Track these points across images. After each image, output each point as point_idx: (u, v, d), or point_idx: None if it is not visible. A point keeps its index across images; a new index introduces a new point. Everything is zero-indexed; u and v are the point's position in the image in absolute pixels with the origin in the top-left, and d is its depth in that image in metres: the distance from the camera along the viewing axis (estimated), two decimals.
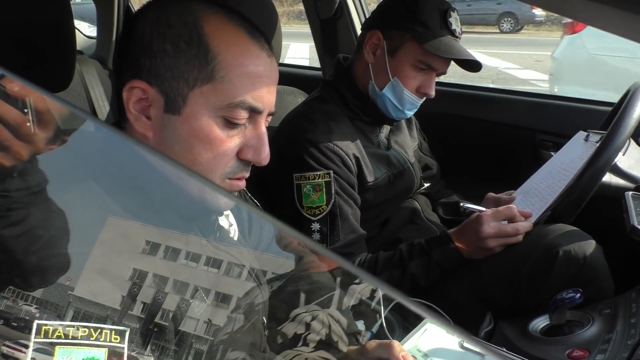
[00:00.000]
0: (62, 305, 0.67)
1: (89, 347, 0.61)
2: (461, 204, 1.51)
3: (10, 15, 0.80)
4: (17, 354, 0.63)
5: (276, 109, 0.85)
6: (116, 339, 0.63)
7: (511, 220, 1.28)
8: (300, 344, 0.74)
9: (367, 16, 2.18)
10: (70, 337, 0.61)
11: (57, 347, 0.61)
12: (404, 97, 1.41)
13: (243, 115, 0.78)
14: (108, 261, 0.69)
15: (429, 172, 1.71)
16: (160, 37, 0.77)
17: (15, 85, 0.58)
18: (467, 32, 1.62)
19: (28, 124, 0.59)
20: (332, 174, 1.33)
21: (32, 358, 0.60)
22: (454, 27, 1.38)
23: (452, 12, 1.39)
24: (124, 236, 0.71)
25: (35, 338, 0.61)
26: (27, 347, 0.64)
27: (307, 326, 0.75)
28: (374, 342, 0.85)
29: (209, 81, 0.76)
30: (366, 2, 2.21)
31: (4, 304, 0.66)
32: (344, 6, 2.10)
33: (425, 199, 1.67)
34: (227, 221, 0.94)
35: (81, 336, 0.62)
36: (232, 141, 0.79)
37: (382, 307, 0.94)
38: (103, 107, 1.80)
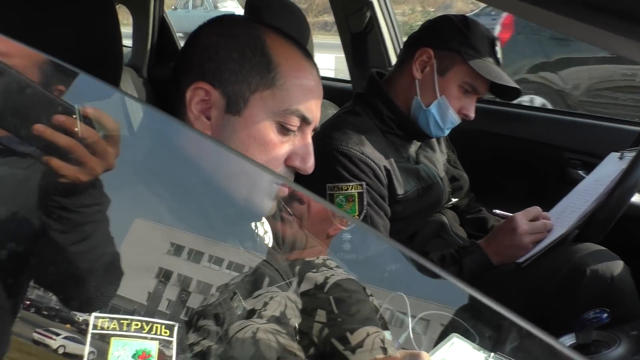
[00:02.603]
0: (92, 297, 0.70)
1: (141, 340, 0.64)
2: (493, 211, 1.56)
3: (65, 33, 0.86)
4: (47, 340, 0.67)
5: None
6: (166, 332, 0.66)
7: (538, 219, 1.40)
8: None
9: (396, 31, 2.24)
10: (124, 330, 0.64)
11: (112, 339, 0.64)
12: (448, 116, 1.46)
13: (295, 122, 0.84)
14: (140, 260, 0.73)
15: (457, 183, 1.74)
16: (227, 46, 0.84)
17: (90, 108, 0.63)
18: None
19: (101, 141, 0.64)
20: (364, 186, 1.37)
21: (90, 347, 0.63)
22: (499, 55, 1.46)
23: (497, 42, 1.47)
24: (154, 238, 0.75)
25: (92, 330, 0.64)
26: (57, 334, 0.68)
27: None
28: (403, 352, 0.88)
29: (269, 87, 0.83)
30: (395, 18, 2.26)
31: (35, 293, 0.70)
32: (374, 21, 2.14)
33: (453, 213, 1.69)
34: (263, 228, 0.98)
35: (134, 329, 0.65)
36: (283, 147, 0.84)
37: (409, 318, 0.96)
38: (137, 113, 1.86)
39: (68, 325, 0.69)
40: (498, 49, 1.47)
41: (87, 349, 0.63)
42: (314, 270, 0.89)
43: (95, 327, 0.64)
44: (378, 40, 2.16)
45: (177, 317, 0.69)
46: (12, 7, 0.85)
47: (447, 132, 1.51)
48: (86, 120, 0.63)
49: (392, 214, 1.44)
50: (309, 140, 0.87)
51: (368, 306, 0.89)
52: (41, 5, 0.88)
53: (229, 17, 0.94)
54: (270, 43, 0.85)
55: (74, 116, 0.62)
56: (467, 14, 1.66)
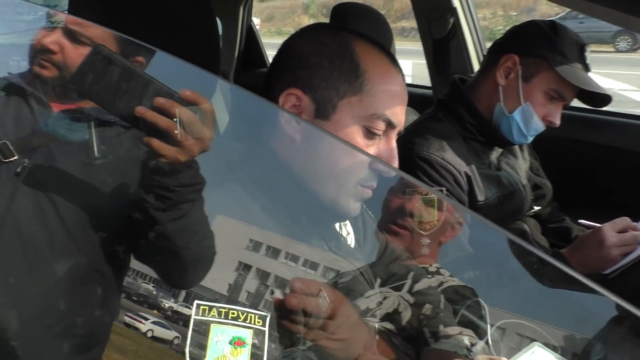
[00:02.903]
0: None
1: (237, 327, 0.69)
2: (579, 221, 1.52)
3: (167, 40, 0.94)
4: (137, 324, 0.74)
5: None
6: (259, 322, 0.70)
7: (626, 230, 1.36)
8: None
9: (479, 37, 2.23)
10: (222, 317, 0.69)
11: (212, 325, 0.69)
12: (532, 123, 1.44)
13: (381, 126, 0.87)
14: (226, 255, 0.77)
15: (539, 191, 1.71)
16: (318, 54, 0.89)
17: (188, 91, 0.68)
18: None
19: (199, 123, 0.68)
20: (444, 191, 1.38)
21: (192, 331, 0.68)
22: (588, 61, 1.43)
23: (586, 47, 1.44)
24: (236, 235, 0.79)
25: (194, 315, 0.69)
26: (146, 319, 0.74)
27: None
28: (484, 357, 0.89)
29: (356, 93, 0.87)
30: (479, 24, 2.24)
31: (126, 280, 0.76)
32: (457, 27, 2.14)
33: (535, 222, 1.67)
34: (345, 229, 1.03)
35: (231, 317, 0.70)
36: (368, 150, 0.88)
37: (488, 326, 0.97)
38: (224, 118, 1.96)
39: (155, 311, 0.75)
40: (587, 54, 1.44)
41: (189, 333, 0.68)
42: (429, 277, 0.91)
43: (197, 313, 0.69)
44: (460, 46, 2.15)
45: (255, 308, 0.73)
46: (123, 15, 0.94)
47: (530, 139, 1.49)
48: (184, 103, 0.68)
49: (406, 226, 1.44)
50: (394, 143, 0.90)
51: (476, 313, 0.90)
52: (150, 14, 0.96)
53: (320, 26, 1.01)
54: (358, 50, 0.89)
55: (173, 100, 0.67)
56: (552, 17, 1.63)
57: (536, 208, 1.67)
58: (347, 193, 0.87)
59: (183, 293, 0.75)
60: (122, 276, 0.82)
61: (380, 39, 1.53)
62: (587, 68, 1.43)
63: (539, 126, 1.45)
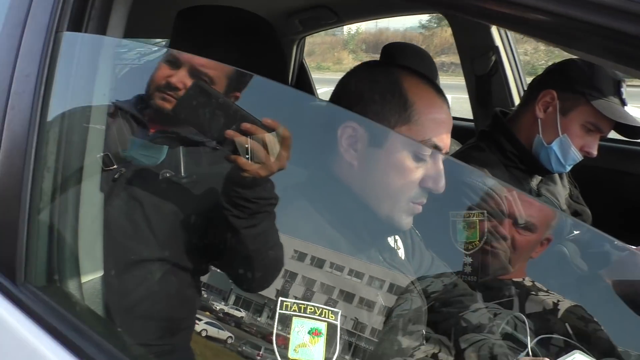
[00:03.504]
0: (225, 290, 0.88)
1: (314, 320, 0.79)
2: (615, 242, 1.59)
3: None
4: None
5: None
6: (332, 316, 0.80)
7: None
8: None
9: (520, 74, 2.34)
10: (302, 312, 0.79)
11: (293, 318, 0.79)
12: (570, 153, 1.54)
13: (428, 151, 0.96)
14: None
15: (579, 218, 1.79)
16: (371, 90, 0.99)
17: (269, 119, 0.82)
18: None
19: (278, 146, 0.81)
20: (485, 214, 1.49)
21: (277, 324, 0.79)
22: (624, 96, 1.52)
23: (623, 83, 1.53)
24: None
25: (279, 310, 0.79)
26: (200, 319, 0.85)
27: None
28: (527, 358, 0.98)
29: (406, 123, 0.97)
30: (520, 61, 2.36)
31: None
32: (499, 64, 2.26)
33: (575, 246, 1.75)
34: (397, 244, 1.14)
35: (309, 312, 0.80)
36: (418, 172, 0.96)
37: (528, 339, 1.06)
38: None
39: (207, 313, 0.86)
40: (623, 89, 1.53)
41: (275, 325, 0.79)
42: (533, 293, 0.99)
43: (281, 308, 0.80)
44: (502, 82, 2.26)
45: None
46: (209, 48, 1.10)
47: (568, 168, 1.59)
48: (266, 128, 0.82)
49: (512, 243, 1.53)
50: (441, 165, 0.97)
51: (603, 336, 0.96)
52: (230, 52, 1.12)
53: (372, 64, 1.11)
54: (406, 85, 0.98)
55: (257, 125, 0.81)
56: None
57: (575, 232, 1.75)
58: (400, 209, 0.97)
59: (233, 297, 0.86)
60: (200, 272, 0.95)
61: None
62: (623, 102, 1.52)
63: (576, 156, 1.55)
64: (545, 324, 0.94)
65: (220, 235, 0.89)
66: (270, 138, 0.82)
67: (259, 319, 0.85)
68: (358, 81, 1.02)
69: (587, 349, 0.88)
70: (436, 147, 0.98)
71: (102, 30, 0.89)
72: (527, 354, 1.01)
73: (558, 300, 0.98)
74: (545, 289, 1.02)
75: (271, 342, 0.79)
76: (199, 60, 1.03)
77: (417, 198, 0.98)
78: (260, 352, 0.84)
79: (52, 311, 0.79)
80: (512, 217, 1.13)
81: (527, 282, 1.05)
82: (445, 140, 1.00)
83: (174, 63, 1.04)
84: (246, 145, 0.81)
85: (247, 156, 0.82)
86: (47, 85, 0.85)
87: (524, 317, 0.93)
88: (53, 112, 0.87)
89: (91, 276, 0.90)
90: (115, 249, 0.99)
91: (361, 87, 1.00)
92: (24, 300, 0.81)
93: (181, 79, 1.02)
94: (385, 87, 0.98)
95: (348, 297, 0.88)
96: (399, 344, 0.91)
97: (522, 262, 1.10)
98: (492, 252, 1.52)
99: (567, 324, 0.94)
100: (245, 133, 0.82)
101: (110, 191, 1.00)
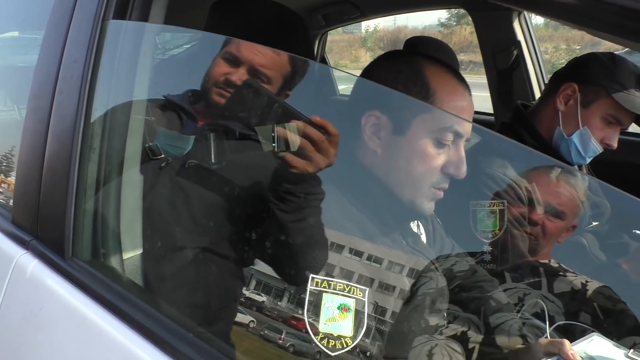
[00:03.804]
0: (246, 275, 0.91)
1: (343, 296, 0.82)
2: (634, 231, 1.60)
3: None
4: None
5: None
6: (360, 294, 0.82)
7: None
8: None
9: (541, 68, 2.36)
10: (331, 288, 0.82)
11: (323, 294, 0.81)
12: (590, 146, 1.57)
13: (450, 138, 0.97)
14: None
15: (598, 210, 1.81)
16: (394, 80, 1.01)
17: (318, 117, 0.83)
18: None
19: (326, 142, 0.83)
20: (505, 204, 1.51)
21: (308, 299, 0.81)
22: None
23: None
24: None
25: (310, 286, 0.81)
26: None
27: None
28: (545, 340, 1.00)
29: (428, 111, 0.99)
30: (541, 56, 2.37)
31: None
32: (521, 59, 2.27)
33: (593, 237, 1.76)
34: (418, 230, 1.17)
35: (339, 288, 0.82)
36: (440, 158, 0.97)
37: (547, 325, 1.08)
38: None
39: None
40: None
41: (306, 299, 0.81)
42: (562, 274, 1.01)
43: (311, 284, 0.82)
44: (523, 76, 2.28)
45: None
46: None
47: (588, 160, 1.61)
48: (315, 126, 0.84)
49: (542, 228, 1.56)
50: (462, 151, 0.99)
51: (630, 316, 0.98)
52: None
53: (395, 54, 1.13)
54: (428, 73, 0.99)
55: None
56: (618, 52, 1.74)
57: (594, 224, 1.77)
58: (423, 195, 0.99)
59: (254, 282, 0.88)
60: (242, 263, 0.98)
61: None
62: None
63: (596, 148, 1.57)
64: (574, 304, 0.96)
65: (267, 229, 0.91)
66: (318, 135, 0.83)
67: (279, 303, 0.87)
68: (382, 71, 1.04)
69: (615, 328, 0.93)
70: (457, 134, 0.98)
71: (144, 18, 0.93)
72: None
73: (586, 281, 1.01)
74: (572, 271, 1.05)
75: (293, 326, 0.82)
76: (259, 60, 1.06)
77: (439, 184, 0.99)
78: (282, 336, 0.85)
79: (97, 282, 0.84)
80: (544, 205, 1.20)
81: (554, 264, 1.08)
82: (466, 127, 1.00)
83: (233, 61, 1.07)
84: (295, 142, 0.83)
85: (294, 152, 0.83)
86: (93, 71, 0.90)
87: (553, 296, 0.95)
88: (99, 96, 0.92)
89: (132, 253, 0.95)
90: (157, 235, 1.02)
91: (385, 77, 1.02)
92: (72, 273, 0.86)
93: (240, 77, 1.04)
94: (407, 76, 1.00)
95: (373, 274, 0.91)
96: (425, 322, 0.94)
97: (550, 246, 1.16)
98: (512, 240, 1.55)
99: (595, 304, 0.96)
100: (293, 130, 0.83)
101: (156, 179, 1.02)
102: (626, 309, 0.98)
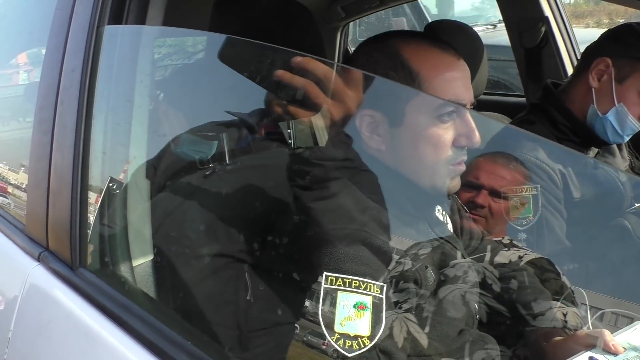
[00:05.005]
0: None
1: (359, 294, 0.78)
2: None
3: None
4: None
5: (482, 134, 0.97)
6: (377, 290, 0.79)
7: None
8: None
9: (573, 44, 2.25)
10: (347, 286, 0.79)
11: (339, 292, 0.78)
12: (627, 123, 1.47)
13: (450, 110, 0.91)
14: None
15: None
16: (373, 71, 0.94)
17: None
18: None
19: (339, 81, 0.73)
20: (538, 188, 1.44)
21: (323, 297, 0.78)
22: None
23: None
24: None
25: (324, 284, 0.78)
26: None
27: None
28: (584, 331, 0.95)
29: (416, 94, 0.93)
30: (573, 31, 2.26)
31: None
32: (549, 35, 2.17)
33: (637, 219, 1.67)
34: (443, 219, 1.13)
35: (355, 286, 0.79)
36: (447, 133, 0.92)
37: (588, 315, 1.04)
38: None
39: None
40: None
41: (321, 298, 0.78)
42: (506, 249, 1.03)
43: (326, 282, 0.79)
44: (553, 54, 2.18)
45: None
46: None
47: (626, 138, 1.51)
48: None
49: (569, 216, 1.48)
50: (470, 119, 0.93)
51: (557, 284, 1.00)
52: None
53: (368, 43, 1.04)
54: (407, 55, 0.94)
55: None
56: None
57: (637, 205, 1.68)
58: (442, 175, 0.95)
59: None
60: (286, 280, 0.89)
61: (473, 54, 1.63)
62: None
63: (635, 126, 1.47)
64: (507, 272, 1.02)
65: (288, 219, 0.85)
66: (326, 70, 0.75)
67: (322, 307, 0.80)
68: (359, 65, 0.98)
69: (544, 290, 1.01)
70: (457, 104, 0.93)
71: (141, 21, 0.92)
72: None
73: (525, 254, 1.07)
74: (519, 246, 1.12)
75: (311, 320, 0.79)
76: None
77: (455, 159, 0.95)
78: (325, 342, 0.79)
79: (104, 294, 0.83)
80: (488, 188, 1.30)
81: (505, 241, 1.15)
82: (463, 94, 0.95)
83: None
84: (295, 83, 0.74)
85: (300, 102, 0.75)
86: (91, 79, 0.89)
87: (491, 267, 1.01)
88: (98, 104, 0.91)
89: (142, 260, 0.94)
90: (186, 243, 0.95)
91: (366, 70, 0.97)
92: (79, 284, 0.85)
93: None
94: (385, 64, 0.95)
95: None
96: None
97: (501, 225, 1.24)
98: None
99: (524, 272, 1.01)
100: (297, 69, 0.75)
101: (199, 186, 0.98)
102: (554, 277, 1.03)
